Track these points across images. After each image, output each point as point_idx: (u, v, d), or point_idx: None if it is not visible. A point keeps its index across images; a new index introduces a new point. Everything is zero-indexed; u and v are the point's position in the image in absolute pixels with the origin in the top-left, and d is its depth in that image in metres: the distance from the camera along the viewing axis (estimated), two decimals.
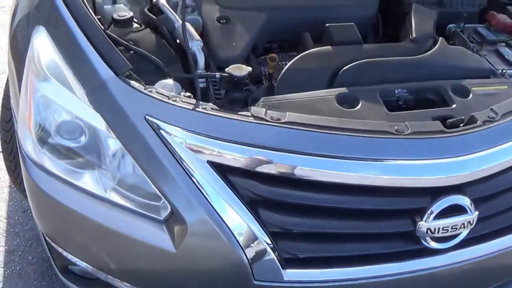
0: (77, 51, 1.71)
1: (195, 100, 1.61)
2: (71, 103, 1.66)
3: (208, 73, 1.81)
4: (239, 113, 1.58)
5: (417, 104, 1.81)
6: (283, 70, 1.80)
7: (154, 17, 1.97)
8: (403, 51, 1.93)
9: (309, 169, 1.53)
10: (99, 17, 1.92)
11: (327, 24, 1.97)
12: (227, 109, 1.67)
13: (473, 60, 1.97)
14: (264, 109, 1.59)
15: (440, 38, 2.01)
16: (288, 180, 1.54)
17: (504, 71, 2.00)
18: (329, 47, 1.89)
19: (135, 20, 1.95)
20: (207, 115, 1.56)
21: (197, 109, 1.57)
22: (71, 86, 1.67)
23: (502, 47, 2.16)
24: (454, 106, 1.75)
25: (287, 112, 1.58)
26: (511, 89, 1.87)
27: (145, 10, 2.02)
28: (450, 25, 2.22)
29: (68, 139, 1.66)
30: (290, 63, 1.82)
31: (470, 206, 1.61)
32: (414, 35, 1.99)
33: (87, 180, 1.65)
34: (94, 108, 1.61)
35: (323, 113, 1.63)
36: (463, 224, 1.62)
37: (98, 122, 1.61)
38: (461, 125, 1.66)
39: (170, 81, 1.71)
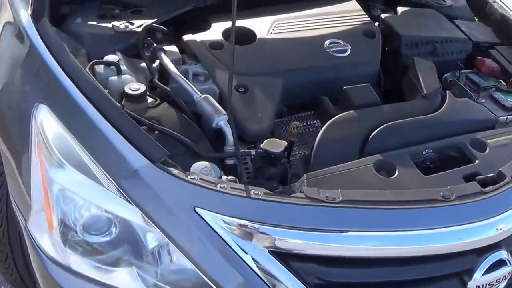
0: (96, 134, 1.58)
1: (243, 185, 1.56)
2: (97, 195, 1.53)
3: (243, 150, 1.75)
4: (292, 195, 1.55)
5: (443, 163, 1.87)
6: (316, 143, 1.78)
7: (169, 88, 1.88)
8: (420, 109, 1.99)
9: (372, 247, 1.53)
10: (107, 91, 1.79)
11: (344, 87, 1.98)
12: (268, 187, 1.63)
13: (479, 112, 2.07)
14: (316, 189, 1.57)
15: (448, 92, 2.08)
16: (350, 260, 1.53)
17: (509, 118, 2.11)
18: (352, 112, 1.90)
19: (148, 93, 1.85)
20: (262, 201, 1.52)
21: (251, 195, 1.52)
22: (95, 175, 1.54)
23: (494, 92, 2.27)
24: (477, 162, 1.82)
25: (339, 190, 1.56)
26: None
27: (155, 80, 1.92)
28: (446, 75, 2.30)
29: (96, 234, 1.54)
30: (320, 135, 1.80)
31: (509, 258, 1.68)
32: (425, 92, 2.04)
33: (122, 278, 1.54)
34: (127, 200, 1.49)
35: (366, 184, 1.65)
36: (505, 276, 1.69)
37: (133, 215, 1.50)
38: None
39: (206, 164, 1.63)
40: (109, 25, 2.09)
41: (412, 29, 2.33)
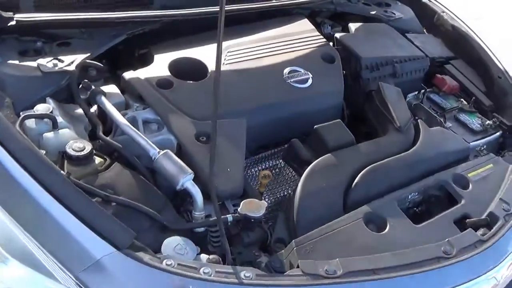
0: (42, 216, 1.28)
1: (229, 267, 1.31)
2: None
3: (221, 216, 1.47)
4: (288, 274, 1.33)
5: (428, 205, 1.74)
6: (297, 203, 1.54)
7: (119, 145, 1.57)
8: (397, 145, 1.82)
9: None
10: (44, 152, 1.45)
11: (315, 126, 1.76)
12: (248, 256, 1.44)
13: (454, 141, 1.94)
14: (313, 262, 1.35)
15: (420, 122, 1.92)
16: None
17: (482, 148, 2.00)
18: (329, 157, 1.68)
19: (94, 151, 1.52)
20: (256, 287, 1.27)
21: (243, 281, 1.27)
22: (46, 268, 1.24)
23: (459, 114, 2.15)
24: (463, 202, 1.69)
25: (338, 260, 1.36)
26: (496, 166, 1.87)
27: (100, 133, 1.60)
28: (409, 98, 2.15)
29: None
30: (299, 191, 1.57)
31: None
32: (398, 124, 1.87)
33: None
34: None
35: (360, 244, 1.47)
36: None
37: None
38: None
39: (178, 240, 1.36)
40: (34, 63, 1.72)
41: (370, 49, 2.15)
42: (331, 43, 2.19)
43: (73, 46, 1.83)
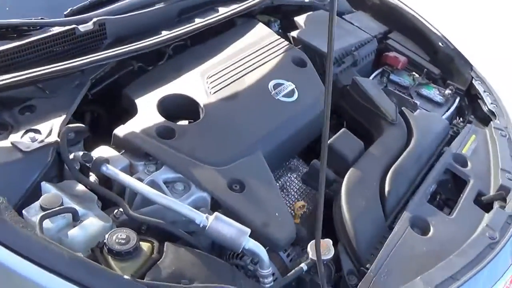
0: None
1: None
2: None
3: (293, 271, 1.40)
4: None
5: (444, 190, 1.80)
6: (352, 234, 1.50)
7: (161, 221, 1.38)
8: (399, 139, 1.85)
9: None
10: None
11: (328, 141, 1.70)
12: None
13: (437, 121, 2.01)
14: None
15: (404, 109, 1.96)
16: None
17: (459, 121, 2.10)
18: (354, 172, 1.65)
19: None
20: None
21: None
22: None
23: (420, 89, 2.23)
24: (472, 181, 1.78)
25: (419, 278, 1.40)
26: (479, 135, 1.99)
27: (131, 212, 1.37)
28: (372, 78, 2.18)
29: None
30: (347, 219, 1.52)
31: None
32: (391, 117, 1.88)
33: None
34: None
35: (419, 252, 1.50)
36: None
37: None
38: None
39: None
40: (7, 143, 1.44)
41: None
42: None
43: (39, 110, 1.55)
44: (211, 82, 1.77)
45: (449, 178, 1.82)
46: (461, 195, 1.71)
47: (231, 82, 1.80)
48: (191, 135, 1.60)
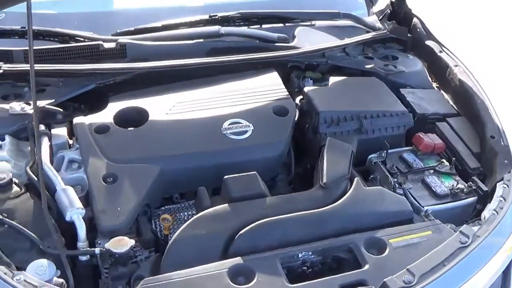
0: None
1: None
2: None
3: (83, 250, 1.60)
4: None
5: (326, 267, 1.61)
6: (170, 241, 1.59)
7: (35, 177, 1.77)
8: (313, 202, 1.73)
9: None
10: None
11: (225, 177, 1.77)
12: None
13: (392, 203, 1.77)
14: None
15: (356, 179, 1.81)
16: None
17: (428, 210, 1.79)
18: (225, 206, 1.68)
19: (16, 181, 1.76)
20: None
21: None
22: None
23: (429, 176, 1.96)
24: (366, 267, 1.55)
25: None
26: (435, 234, 1.68)
27: (27, 168, 1.82)
28: (371, 156, 2.02)
29: None
30: (179, 231, 1.61)
31: None
32: (324, 180, 1.78)
33: None
34: None
35: None
36: None
37: None
38: None
39: (43, 262, 1.51)
40: (7, 106, 2.02)
41: (334, 103, 2.09)
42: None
43: (46, 93, 2.09)
44: (176, 106, 2.03)
45: (349, 258, 1.62)
46: (334, 276, 1.52)
47: (193, 110, 2.01)
48: (119, 136, 1.91)
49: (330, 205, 1.71)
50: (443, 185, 1.92)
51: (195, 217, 1.66)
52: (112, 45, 2.22)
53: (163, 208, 1.88)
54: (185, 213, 1.87)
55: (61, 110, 2.04)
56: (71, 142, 1.97)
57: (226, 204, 1.69)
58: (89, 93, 2.14)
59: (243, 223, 1.63)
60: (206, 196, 1.76)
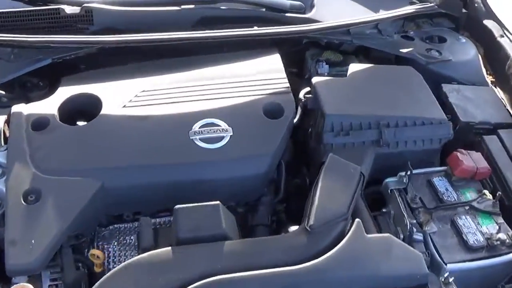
0: None
1: None
2: None
3: None
4: None
5: None
6: None
7: None
8: (289, 253, 1.27)
9: None
10: None
11: (175, 207, 1.32)
12: None
13: (401, 261, 1.29)
14: None
15: (357, 222, 1.32)
16: None
17: (450, 275, 1.30)
18: (167, 250, 1.25)
19: None
20: None
21: None
22: None
23: (463, 215, 1.45)
24: None
25: None
26: None
27: None
28: (388, 180, 1.51)
29: None
30: (99, 282, 1.21)
31: None
32: (311, 222, 1.31)
33: None
34: None
35: None
36: None
37: None
38: None
39: None
40: None
41: (349, 103, 1.58)
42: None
43: None
44: (138, 95, 1.58)
45: None
46: None
47: (159, 104, 1.56)
48: (57, 136, 1.51)
49: (313, 259, 1.25)
50: (478, 231, 1.41)
51: (125, 263, 1.24)
52: (76, 10, 1.78)
53: (110, 227, 1.48)
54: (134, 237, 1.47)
55: (4, 92, 1.65)
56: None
57: (170, 248, 1.26)
58: (53, 66, 1.73)
59: (187, 279, 1.20)
60: (149, 232, 1.33)
